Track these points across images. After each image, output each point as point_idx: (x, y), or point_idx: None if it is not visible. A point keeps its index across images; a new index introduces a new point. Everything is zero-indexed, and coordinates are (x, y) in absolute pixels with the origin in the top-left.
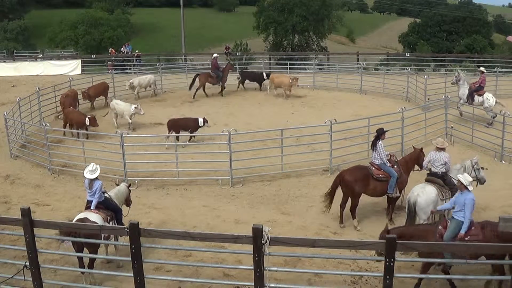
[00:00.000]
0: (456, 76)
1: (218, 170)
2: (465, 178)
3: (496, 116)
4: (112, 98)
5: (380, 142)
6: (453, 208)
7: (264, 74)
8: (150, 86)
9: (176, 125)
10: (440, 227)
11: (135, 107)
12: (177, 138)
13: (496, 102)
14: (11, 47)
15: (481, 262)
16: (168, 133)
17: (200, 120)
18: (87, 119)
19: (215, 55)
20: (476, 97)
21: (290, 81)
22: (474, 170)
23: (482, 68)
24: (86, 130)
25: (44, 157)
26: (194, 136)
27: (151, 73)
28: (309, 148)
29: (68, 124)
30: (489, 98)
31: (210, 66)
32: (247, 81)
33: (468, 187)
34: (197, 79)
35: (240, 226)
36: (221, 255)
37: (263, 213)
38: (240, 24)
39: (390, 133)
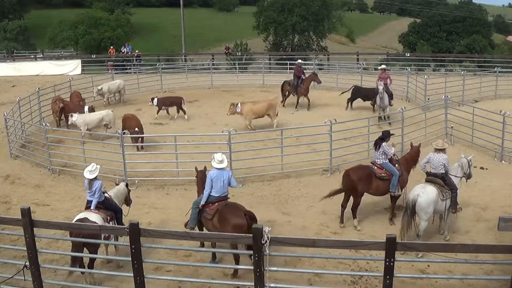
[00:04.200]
0: (380, 92)
1: None
2: (216, 158)
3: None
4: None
5: (384, 144)
6: None
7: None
8: (119, 92)
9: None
10: None
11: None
12: None
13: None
14: (11, 47)
15: (482, 262)
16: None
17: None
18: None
19: (299, 61)
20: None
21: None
22: (469, 167)
23: (383, 66)
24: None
25: (44, 157)
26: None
27: (151, 73)
28: (309, 148)
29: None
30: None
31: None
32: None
33: (218, 165)
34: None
35: None
36: (221, 255)
37: (263, 213)
38: (240, 24)
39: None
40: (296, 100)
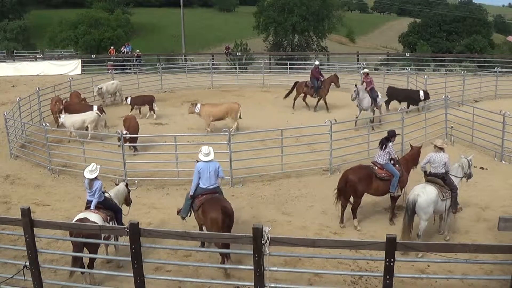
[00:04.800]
0: (355, 91)
1: None
2: (203, 151)
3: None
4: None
5: (390, 144)
6: None
7: (421, 93)
8: (117, 93)
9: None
10: None
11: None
12: None
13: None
14: (11, 47)
15: (482, 262)
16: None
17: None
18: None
19: (316, 62)
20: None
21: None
22: (470, 167)
23: (365, 70)
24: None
25: (44, 157)
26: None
27: (151, 73)
28: (309, 148)
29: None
30: (380, 96)
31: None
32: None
33: (204, 158)
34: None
35: (240, 226)
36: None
37: (263, 213)
38: (240, 24)
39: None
40: (316, 101)
